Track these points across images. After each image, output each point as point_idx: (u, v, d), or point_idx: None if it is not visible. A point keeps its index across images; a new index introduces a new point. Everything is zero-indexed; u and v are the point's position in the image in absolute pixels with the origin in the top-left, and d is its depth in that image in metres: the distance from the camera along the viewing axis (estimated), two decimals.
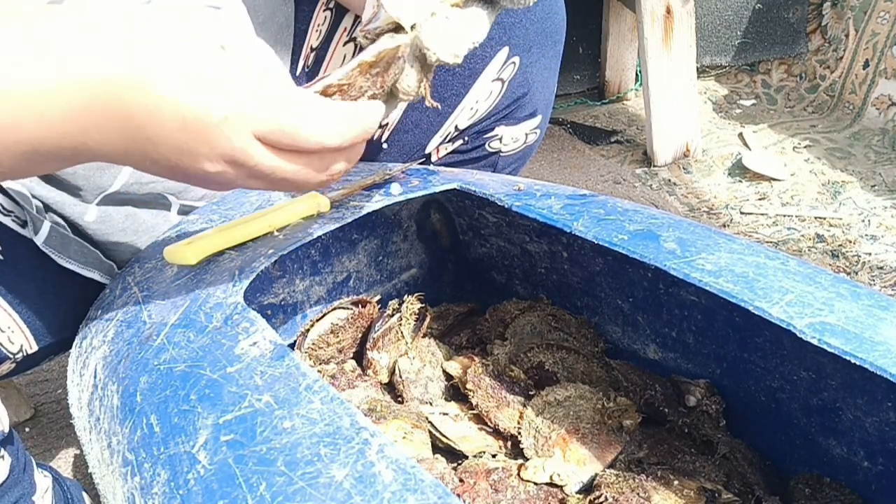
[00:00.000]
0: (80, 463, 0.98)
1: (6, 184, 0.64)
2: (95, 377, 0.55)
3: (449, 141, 0.86)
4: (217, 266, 0.59)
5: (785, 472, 0.59)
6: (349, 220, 0.62)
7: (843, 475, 0.55)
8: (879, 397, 0.50)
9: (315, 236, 0.60)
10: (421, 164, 0.84)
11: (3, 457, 0.59)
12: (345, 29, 0.79)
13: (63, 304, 0.67)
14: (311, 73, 0.80)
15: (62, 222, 0.66)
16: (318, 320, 0.69)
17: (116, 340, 0.56)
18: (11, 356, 0.62)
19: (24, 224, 0.64)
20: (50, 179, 0.65)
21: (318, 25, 0.78)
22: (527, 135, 0.87)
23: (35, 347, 0.65)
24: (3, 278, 0.61)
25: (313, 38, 0.78)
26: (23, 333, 0.63)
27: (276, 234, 0.62)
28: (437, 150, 0.87)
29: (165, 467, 0.44)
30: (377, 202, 0.64)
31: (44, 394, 1.10)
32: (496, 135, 0.85)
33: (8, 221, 0.64)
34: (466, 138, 0.86)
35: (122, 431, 0.49)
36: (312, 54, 0.79)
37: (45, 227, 0.64)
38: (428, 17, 0.49)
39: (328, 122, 0.44)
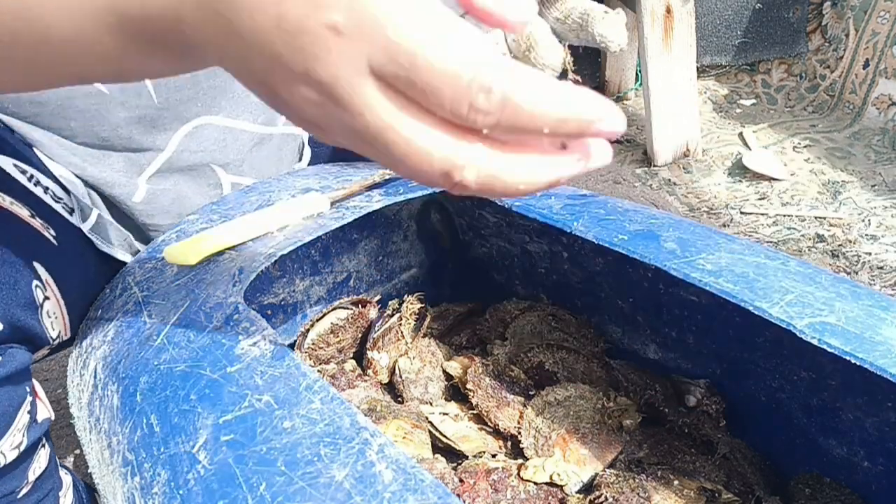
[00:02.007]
0: (80, 463, 0.98)
1: (58, 172, 0.64)
2: (95, 377, 0.55)
3: None
4: (217, 266, 0.59)
5: (785, 472, 0.59)
6: (349, 220, 0.62)
7: (843, 475, 0.55)
8: (879, 397, 0.51)
9: (315, 236, 0.60)
10: None
11: (44, 446, 0.59)
12: None
13: (97, 293, 0.67)
14: None
15: (107, 212, 0.67)
16: (318, 320, 0.69)
17: (116, 340, 0.56)
18: (51, 342, 0.61)
19: (71, 211, 0.65)
20: (100, 159, 0.65)
21: None
22: None
23: (68, 335, 0.64)
24: (56, 264, 0.61)
25: None
26: (63, 320, 0.62)
27: (275, 234, 0.62)
28: None
29: (165, 467, 0.44)
30: (377, 202, 0.64)
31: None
32: None
33: (59, 209, 0.64)
34: None
35: (122, 431, 0.49)
36: None
37: (94, 214, 0.65)
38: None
39: (463, 43, 0.29)
